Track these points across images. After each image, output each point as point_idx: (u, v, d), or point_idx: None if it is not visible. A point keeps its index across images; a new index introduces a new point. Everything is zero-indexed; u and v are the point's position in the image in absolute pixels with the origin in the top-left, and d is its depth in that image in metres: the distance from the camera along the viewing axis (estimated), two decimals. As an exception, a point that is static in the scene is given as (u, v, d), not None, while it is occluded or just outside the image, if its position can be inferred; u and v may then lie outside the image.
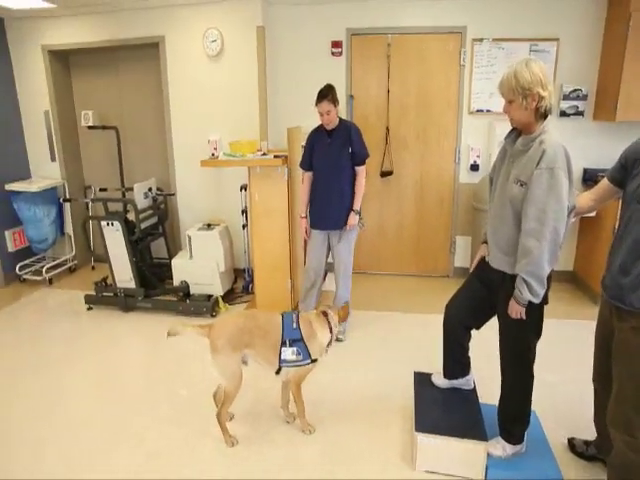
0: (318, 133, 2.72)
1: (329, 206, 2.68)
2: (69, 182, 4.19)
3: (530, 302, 1.60)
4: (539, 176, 1.50)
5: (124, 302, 3.31)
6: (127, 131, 4.10)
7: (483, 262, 1.87)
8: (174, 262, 3.39)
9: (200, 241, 3.32)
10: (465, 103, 3.64)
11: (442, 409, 1.99)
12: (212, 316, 3.21)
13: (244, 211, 3.50)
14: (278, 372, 2.01)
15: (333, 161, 2.66)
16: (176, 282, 3.38)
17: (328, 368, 2.56)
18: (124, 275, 3.29)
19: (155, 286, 3.41)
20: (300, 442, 2.03)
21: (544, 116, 1.56)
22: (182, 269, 3.35)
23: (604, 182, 1.68)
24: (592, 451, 1.90)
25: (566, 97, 3.50)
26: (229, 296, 3.49)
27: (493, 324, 1.81)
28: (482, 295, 1.86)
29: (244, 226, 3.53)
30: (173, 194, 3.92)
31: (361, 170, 2.69)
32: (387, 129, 3.75)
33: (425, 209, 3.88)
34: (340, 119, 2.69)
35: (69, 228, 4.19)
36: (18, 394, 2.43)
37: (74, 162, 4.31)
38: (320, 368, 2.53)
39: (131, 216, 3.34)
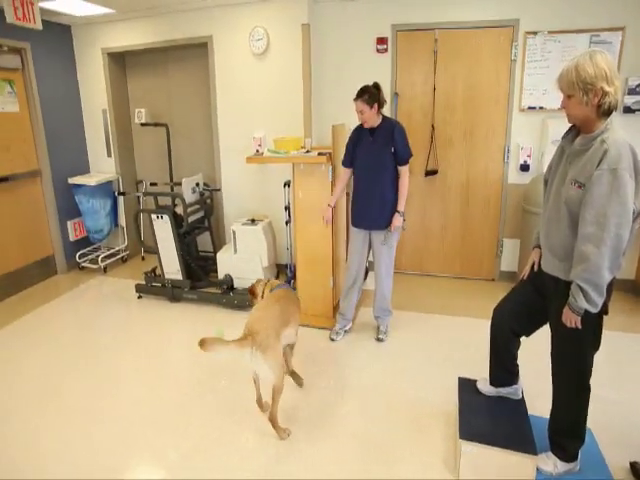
0: (361, 130, 2.67)
1: (370, 206, 2.63)
2: (123, 177, 4.39)
3: (587, 311, 1.49)
4: (599, 177, 1.39)
5: (171, 293, 3.44)
6: (176, 128, 4.23)
7: (535, 269, 1.77)
8: (219, 256, 3.47)
9: (244, 236, 3.36)
10: (516, 100, 3.45)
11: (488, 417, 1.91)
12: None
13: (287, 207, 3.51)
14: None
15: (375, 160, 2.61)
16: (220, 275, 3.46)
17: (370, 368, 2.55)
18: (172, 267, 3.41)
19: (200, 278, 3.51)
20: (340, 441, 2.02)
21: (607, 113, 1.44)
22: (226, 263, 3.42)
23: None
24: (659, 477, 1.76)
25: (631, 91, 3.22)
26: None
27: (544, 330, 1.70)
28: (534, 301, 1.76)
29: (287, 222, 3.54)
30: (219, 189, 4.01)
31: (404, 170, 2.61)
32: (432, 127, 3.63)
33: (471, 210, 3.73)
34: (384, 117, 2.62)
35: (122, 220, 4.41)
36: (71, 375, 2.58)
37: (128, 158, 4.52)
38: (362, 368, 2.53)
39: (179, 210, 3.44)
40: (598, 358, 1.62)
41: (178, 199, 3.47)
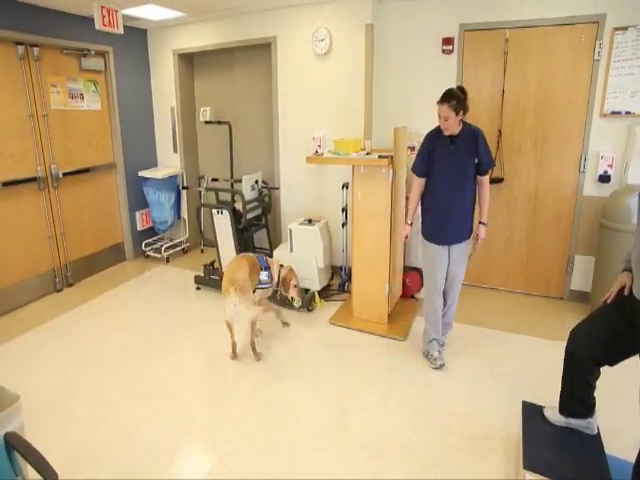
0: (439, 136, 2.43)
1: (453, 218, 2.42)
2: (187, 172, 4.57)
3: None
4: None
5: (228, 286, 3.52)
6: (238, 126, 4.31)
7: (625, 293, 1.59)
8: (275, 253, 3.50)
9: (301, 235, 3.36)
10: (597, 104, 3.13)
11: (556, 449, 1.74)
12: (308, 310, 3.26)
13: (344, 209, 3.46)
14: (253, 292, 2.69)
15: (458, 170, 2.40)
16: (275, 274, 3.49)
17: (430, 382, 2.46)
18: (230, 261, 3.48)
19: (256, 274, 3.57)
20: (394, 455, 1.96)
21: None
22: (282, 261, 3.43)
23: None
24: None
25: None
26: (325, 292, 3.50)
27: (631, 360, 1.53)
28: (622, 329, 1.57)
29: (344, 224, 3.50)
30: (277, 188, 4.04)
31: (486, 179, 2.44)
32: (499, 132, 3.40)
33: (539, 222, 3.46)
34: (464, 123, 2.40)
35: (185, 213, 4.59)
36: (134, 358, 2.72)
37: (192, 154, 4.69)
38: (420, 383, 2.45)
39: (238, 206, 3.51)
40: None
41: (238, 195, 3.53)
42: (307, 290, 3.33)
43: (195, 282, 3.70)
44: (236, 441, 2.03)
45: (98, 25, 3.10)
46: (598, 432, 1.81)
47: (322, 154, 3.26)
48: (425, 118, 3.56)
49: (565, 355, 1.77)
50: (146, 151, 4.58)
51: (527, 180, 3.41)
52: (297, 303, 2.97)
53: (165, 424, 2.15)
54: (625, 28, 3.00)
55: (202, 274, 3.68)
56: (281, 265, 2.91)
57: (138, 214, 4.47)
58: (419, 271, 3.55)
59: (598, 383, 1.74)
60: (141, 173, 4.32)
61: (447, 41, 3.42)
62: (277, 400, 2.31)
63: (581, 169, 3.24)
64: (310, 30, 3.63)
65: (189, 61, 4.48)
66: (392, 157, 2.84)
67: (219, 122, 4.12)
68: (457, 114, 2.31)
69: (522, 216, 3.49)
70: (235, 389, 2.40)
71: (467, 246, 2.53)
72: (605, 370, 1.70)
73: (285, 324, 3.05)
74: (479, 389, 2.39)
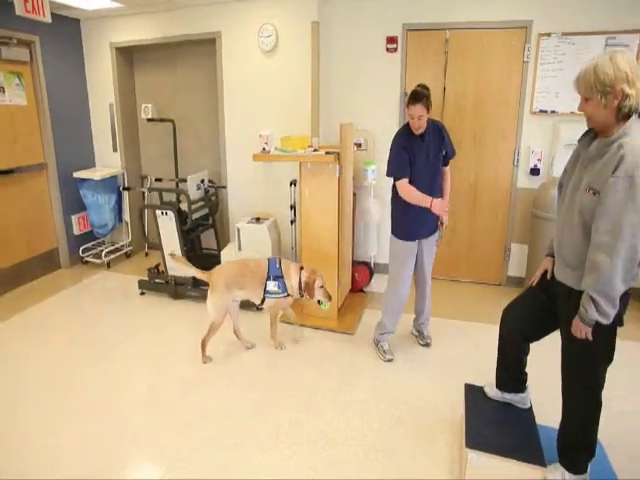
0: (409, 136, 2.44)
1: (428, 214, 2.39)
2: (128, 172, 4.37)
3: (599, 323, 1.44)
4: (615, 184, 1.34)
5: (174, 290, 3.41)
6: (182, 124, 4.20)
7: (547, 277, 1.73)
8: (223, 253, 3.44)
9: (249, 234, 3.34)
10: (527, 103, 3.39)
11: (495, 426, 1.85)
12: (258, 309, 3.23)
13: (293, 206, 3.48)
14: (262, 302, 2.60)
15: (431, 165, 2.47)
16: (224, 273, 3.43)
17: (379, 374, 2.52)
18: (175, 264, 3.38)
19: (204, 276, 3.48)
20: (342, 446, 1.98)
21: (627, 117, 1.38)
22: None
23: None
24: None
25: (646, 97, 3.16)
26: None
27: (555, 339, 1.66)
28: (546, 307, 1.71)
29: (292, 222, 3.51)
30: (224, 187, 3.98)
31: (448, 169, 2.58)
32: (441, 128, 3.58)
33: (478, 213, 3.68)
34: (427, 119, 2.41)
35: (127, 215, 4.39)
36: (74, 370, 2.56)
37: (133, 153, 4.50)
38: (370, 375, 2.50)
39: (184, 206, 3.41)
40: (611, 369, 1.57)
41: (183, 195, 3.44)
42: (257, 289, 3.29)
43: (139, 287, 3.55)
44: (185, 451, 1.97)
45: (19, 11, 2.89)
46: (530, 405, 1.95)
47: (269, 152, 3.26)
48: (371, 115, 3.69)
49: (499, 333, 1.89)
50: (82, 150, 4.33)
51: (467, 174, 3.62)
52: (325, 306, 2.68)
53: (111, 438, 2.03)
54: (549, 34, 3.28)
55: (146, 278, 3.54)
56: (301, 267, 2.64)
57: (74, 218, 4.21)
58: (368, 265, 3.66)
59: (529, 360, 1.87)
60: (77, 174, 4.08)
61: (391, 40, 3.56)
62: (227, 404, 2.27)
63: (515, 163, 3.50)
64: (256, 26, 3.63)
65: (128, 55, 4.31)
66: (339, 153, 2.90)
67: (162, 120, 4.00)
68: (428, 111, 2.37)
69: (463, 208, 3.70)
70: (185, 396, 2.33)
71: (435, 236, 2.63)
72: (533, 347, 1.83)
73: (295, 341, 2.85)
74: (426, 376, 2.49)
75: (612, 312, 1.42)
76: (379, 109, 3.67)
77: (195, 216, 3.47)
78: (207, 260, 3.75)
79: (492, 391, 1.99)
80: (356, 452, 1.95)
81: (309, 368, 2.56)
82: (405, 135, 2.47)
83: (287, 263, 2.65)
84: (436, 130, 2.47)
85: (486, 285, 3.75)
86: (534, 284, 1.80)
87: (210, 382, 2.44)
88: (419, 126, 2.38)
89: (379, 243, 3.68)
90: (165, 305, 3.38)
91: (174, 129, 3.99)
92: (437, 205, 2.31)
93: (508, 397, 1.95)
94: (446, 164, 2.56)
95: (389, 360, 2.63)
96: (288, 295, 2.61)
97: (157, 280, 3.50)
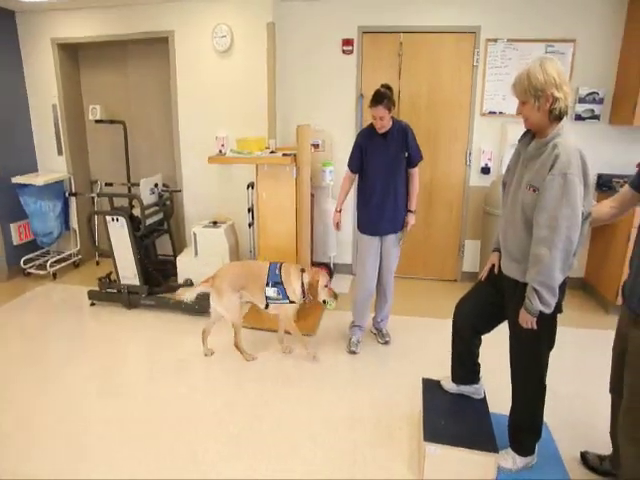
0: (371, 134, 2.54)
1: (386, 210, 2.56)
2: (75, 176, 4.16)
3: (542, 312, 1.54)
4: (551, 182, 1.44)
5: (127, 299, 3.28)
6: (134, 126, 4.06)
7: (495, 271, 1.82)
8: (179, 259, 3.35)
9: (206, 238, 3.27)
10: (477, 104, 3.57)
11: (451, 418, 1.92)
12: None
13: (251, 209, 3.45)
14: (267, 307, 2.58)
15: (391, 165, 2.53)
16: (180, 280, 3.34)
17: (338, 374, 2.54)
18: (128, 271, 3.25)
19: (159, 283, 3.37)
20: (302, 447, 1.98)
21: (559, 118, 1.49)
22: (187, 266, 3.31)
23: (626, 189, 1.62)
24: (606, 466, 1.84)
25: (582, 100, 3.42)
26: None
27: (503, 331, 1.74)
28: (494, 300, 1.80)
29: (250, 224, 3.48)
30: (179, 190, 3.88)
31: (415, 172, 2.62)
32: (397, 129, 3.69)
33: (434, 212, 3.82)
34: (393, 119, 2.52)
35: (74, 222, 4.16)
36: (17, 391, 2.39)
37: (81, 156, 4.29)
38: (329, 377, 2.51)
39: (137, 212, 3.30)
40: (552, 353, 1.67)
41: (135, 200, 3.32)
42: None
43: (89, 298, 3.38)
44: (135, 464, 1.88)
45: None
46: (484, 396, 2.04)
47: (225, 154, 3.22)
48: (329, 116, 3.73)
49: (452, 328, 1.97)
50: (21, 154, 4.07)
51: (423, 173, 3.68)
52: (331, 305, 2.65)
53: (62, 459, 1.91)
54: (495, 40, 3.47)
55: (97, 288, 3.37)
56: (302, 270, 2.57)
57: (14, 226, 3.94)
58: (327, 266, 3.69)
59: (483, 351, 1.95)
60: (15, 180, 3.82)
61: (347, 42, 3.62)
62: (183, 414, 2.20)
63: (467, 162, 3.67)
64: (210, 26, 3.58)
65: (73, 53, 4.11)
66: (295, 155, 2.91)
67: (112, 121, 3.86)
68: (390, 112, 2.43)
69: (419, 207, 3.74)
70: (144, 407, 2.24)
71: (399, 236, 2.68)
72: (484, 339, 1.91)
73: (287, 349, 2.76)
74: (385, 373, 2.53)
75: (553, 301, 1.51)
76: (336, 110, 3.73)
77: (149, 221, 3.36)
78: (163, 266, 3.65)
79: (448, 384, 2.06)
80: (317, 454, 1.95)
81: (268, 372, 2.54)
82: (366, 133, 2.58)
83: (287, 268, 2.56)
84: (401, 131, 2.53)
85: (442, 281, 3.88)
86: (483, 279, 1.88)
87: (169, 393, 2.36)
88: (381, 126, 2.46)
89: (338, 244, 3.72)
90: (118, 315, 3.23)
91: (125, 131, 3.85)
92: (334, 218, 2.70)
93: (463, 389, 2.03)
94: (412, 166, 2.60)
95: (351, 352, 2.71)
96: (291, 302, 2.54)
97: (109, 289, 3.34)
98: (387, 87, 2.46)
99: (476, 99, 3.56)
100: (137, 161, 4.09)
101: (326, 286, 2.53)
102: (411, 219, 2.67)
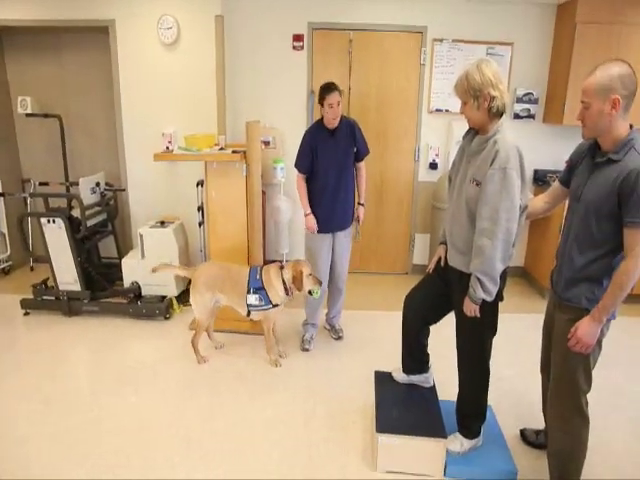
0: (319, 133, 2.54)
1: (338, 208, 2.59)
2: (3, 175, 3.82)
3: (484, 300, 1.62)
4: (492, 176, 1.52)
5: (67, 306, 3.07)
6: (73, 121, 3.81)
7: (441, 263, 1.89)
8: (124, 262, 3.19)
9: (153, 239, 3.14)
10: (425, 102, 3.70)
11: (402, 408, 1.98)
12: (166, 318, 3.05)
13: (200, 208, 3.35)
14: (248, 314, 2.49)
15: (340, 161, 2.55)
16: (126, 283, 3.18)
17: (293, 371, 2.54)
18: (68, 277, 3.05)
19: (103, 288, 3.19)
20: (259, 448, 1.96)
21: (498, 115, 1.58)
22: (133, 269, 3.15)
23: (556, 184, 1.74)
24: (542, 439, 1.98)
25: (519, 100, 3.65)
26: (185, 297, 3.30)
27: (452, 322, 1.82)
28: (441, 291, 1.87)
29: (200, 223, 3.38)
30: (124, 189, 3.69)
31: (363, 165, 2.68)
32: (348, 126, 3.73)
33: (385, 207, 3.91)
34: (341, 116, 2.53)
35: (3, 226, 3.82)
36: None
37: (9, 153, 3.95)
38: (285, 373, 2.50)
39: (76, 213, 3.10)
40: (495, 339, 1.77)
41: (75, 201, 3.11)
42: (163, 297, 3.13)
43: (22, 307, 3.12)
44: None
45: None
46: (433, 384, 2.12)
47: (172, 151, 3.10)
48: (280, 112, 3.71)
49: (402, 320, 2.02)
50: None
51: (373, 169, 3.80)
52: (316, 293, 2.53)
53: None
54: (441, 40, 3.61)
55: (32, 296, 3.13)
56: (281, 267, 2.48)
57: None
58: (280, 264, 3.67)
59: (432, 342, 2.02)
60: None
61: (297, 38, 3.61)
62: (133, 422, 2.10)
63: (416, 158, 3.79)
64: (154, 16, 3.43)
65: (-5, 38, 3.77)
66: (245, 152, 2.86)
67: (46, 115, 3.59)
68: (341, 97, 2.47)
69: (370, 203, 3.85)
70: (90, 419, 2.11)
71: (350, 231, 2.73)
72: (432, 329, 1.99)
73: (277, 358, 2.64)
74: (339, 368, 2.57)
75: (494, 290, 1.60)
76: (287, 107, 3.71)
77: (90, 223, 3.17)
78: (108, 270, 3.46)
79: (399, 375, 2.13)
80: (272, 454, 1.93)
81: (220, 374, 2.49)
82: (314, 131, 2.57)
83: (267, 270, 2.48)
84: (348, 127, 2.56)
85: (394, 275, 4.00)
86: (431, 271, 1.95)
87: (117, 402, 2.24)
88: (335, 115, 2.45)
89: (291, 241, 3.71)
90: (57, 324, 3.02)
91: (61, 126, 3.60)
92: (307, 221, 2.59)
93: (414, 379, 2.10)
94: (360, 160, 2.65)
95: (305, 350, 2.73)
96: (275, 306, 2.46)
97: (45, 297, 3.11)
98: (332, 83, 2.50)
99: (423, 97, 3.69)
100: (76, 159, 3.84)
101: (310, 274, 2.47)
102: (361, 213, 2.72)
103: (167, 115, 3.58)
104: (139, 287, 3.14)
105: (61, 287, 3.08)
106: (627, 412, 2.28)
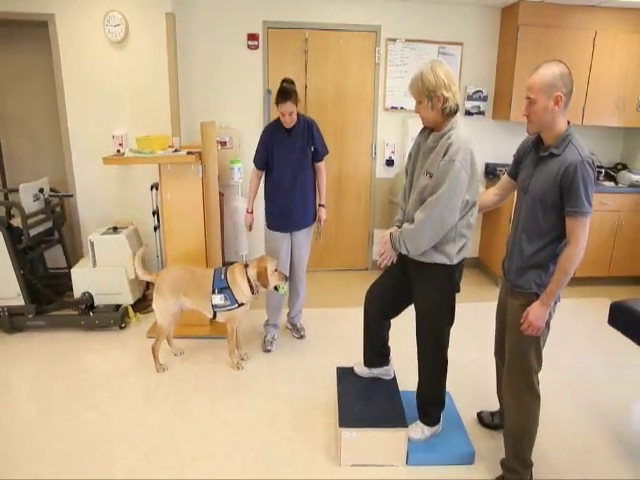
0: (276, 130, 2.57)
1: (295, 206, 2.60)
2: None
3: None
4: (441, 167, 1.60)
5: (9, 322, 2.88)
6: (10, 123, 3.60)
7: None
8: (74, 271, 3.05)
9: (105, 246, 3.02)
10: (380, 100, 3.80)
11: (364, 402, 2.02)
12: (121, 328, 2.95)
13: (155, 212, 3.27)
14: (214, 317, 2.48)
15: (296, 159, 2.57)
16: (77, 294, 3.04)
17: (253, 373, 2.52)
18: (8, 291, 2.88)
19: (51, 300, 3.03)
20: (221, 454, 1.94)
21: (451, 114, 1.65)
22: (84, 279, 3.02)
23: (505, 177, 1.85)
24: (497, 420, 2.09)
25: (470, 98, 3.83)
26: (141, 304, 3.23)
27: (412, 317, 1.87)
28: (401, 283, 1.92)
29: (156, 228, 3.30)
30: (71, 195, 3.52)
31: (322, 166, 2.69)
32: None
33: (344, 204, 3.98)
34: (298, 115, 2.55)
35: None
36: None
37: None
38: (244, 377, 2.49)
39: (17, 222, 2.93)
40: (452, 327, 1.84)
41: (15, 209, 2.94)
42: (118, 306, 3.02)
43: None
44: None
45: None
46: (394, 375, 2.18)
47: (124, 154, 3.01)
48: (236, 112, 3.68)
49: (363, 315, 2.07)
50: None
51: (332, 166, 3.85)
52: (282, 289, 2.50)
53: None
54: (394, 39, 3.72)
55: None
56: (246, 265, 2.47)
57: None
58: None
59: (393, 334, 2.08)
60: None
61: (252, 37, 3.60)
62: (92, 435, 2.02)
63: (373, 155, 3.89)
64: (100, 12, 3.31)
65: None
66: (200, 153, 2.83)
67: (-23, 116, 3.37)
68: (297, 106, 2.47)
69: (330, 199, 3.89)
70: (45, 437, 2.00)
71: (310, 231, 2.74)
72: (393, 323, 2.05)
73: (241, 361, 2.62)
74: (301, 366, 2.59)
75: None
76: (243, 106, 3.70)
77: (34, 232, 3.00)
78: (56, 281, 3.30)
79: (361, 369, 2.18)
80: (235, 458, 1.92)
81: (179, 380, 2.44)
82: (270, 129, 2.60)
83: (232, 269, 2.48)
84: (306, 126, 2.58)
85: (354, 271, 4.07)
86: (382, 266, 1.99)
87: (71, 419, 2.13)
88: (290, 121, 2.50)
89: (251, 242, 3.69)
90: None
91: (-4, 128, 3.40)
92: (245, 218, 2.71)
93: (375, 372, 2.16)
94: (319, 160, 2.67)
95: (267, 351, 2.73)
96: (241, 305, 2.45)
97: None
98: (290, 81, 2.50)
99: (379, 95, 3.79)
100: (16, 164, 3.63)
101: (276, 270, 2.46)
102: (323, 213, 2.75)
103: (117, 116, 3.46)
104: (91, 297, 3.01)
105: (1, 303, 2.89)
106: (573, 388, 2.46)
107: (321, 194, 2.73)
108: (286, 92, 2.42)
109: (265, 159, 2.60)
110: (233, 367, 2.55)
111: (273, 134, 2.57)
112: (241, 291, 2.43)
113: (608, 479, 1.86)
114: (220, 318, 2.49)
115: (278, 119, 2.56)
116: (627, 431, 2.16)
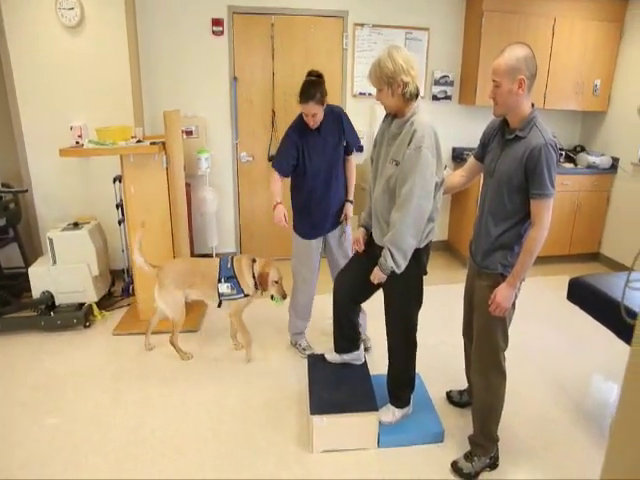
0: (304, 129, 2.21)
1: (330, 209, 2.34)
2: None
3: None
4: (409, 155, 1.61)
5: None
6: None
7: (359, 249, 1.98)
8: (32, 270, 2.92)
9: (65, 243, 2.91)
10: (349, 86, 3.79)
11: (335, 388, 2.05)
12: (86, 327, 2.87)
13: (119, 205, 3.18)
14: (220, 305, 2.49)
15: (330, 159, 2.27)
16: (36, 294, 2.93)
17: (225, 366, 2.51)
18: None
19: (7, 302, 2.91)
20: (193, 451, 1.93)
21: (412, 98, 1.66)
22: (43, 278, 2.91)
23: (471, 159, 1.88)
24: (465, 398, 2.17)
25: (437, 82, 3.87)
26: (106, 301, 3.16)
27: (381, 301, 1.89)
28: (369, 268, 1.91)
29: (120, 222, 3.21)
30: (26, 190, 3.36)
31: (352, 159, 2.41)
32: (273, 112, 3.73)
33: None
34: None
35: None
36: None
37: None
38: (214, 371, 2.47)
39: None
40: (421, 310, 1.88)
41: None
42: (82, 305, 2.94)
43: None
44: None
45: None
46: (365, 360, 2.22)
47: (83, 145, 2.90)
48: (202, 101, 3.60)
49: (332, 302, 2.08)
50: None
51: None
52: (278, 302, 2.42)
53: None
54: (362, 25, 3.71)
55: None
56: (253, 260, 2.47)
57: None
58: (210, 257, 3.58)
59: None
60: None
61: (217, 22, 3.51)
62: (56, 441, 1.97)
63: (343, 142, 3.88)
64: (49, -5, 3.14)
65: None
66: (164, 143, 2.76)
67: None
68: (323, 104, 2.16)
69: None
70: (12, 433, 1.93)
71: (340, 228, 2.48)
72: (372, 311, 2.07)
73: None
74: (273, 356, 2.60)
75: (404, 263, 1.69)
76: (209, 94, 3.62)
77: (-15, 230, 2.87)
78: (13, 281, 3.17)
79: (331, 356, 2.20)
80: (208, 449, 1.92)
81: (152, 376, 2.41)
82: (299, 128, 2.23)
83: (239, 260, 2.47)
84: (335, 119, 2.26)
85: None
86: (359, 252, 2.01)
87: (30, 426, 2.07)
88: (315, 123, 2.18)
89: (219, 233, 3.64)
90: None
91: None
92: (276, 211, 2.22)
93: (346, 357, 2.18)
94: (349, 153, 2.40)
95: (308, 355, 2.48)
96: (246, 295, 2.45)
97: None
98: (316, 75, 2.20)
99: (347, 81, 3.78)
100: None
101: (277, 282, 2.41)
102: (350, 210, 2.45)
103: (75, 106, 3.32)
104: (52, 296, 2.91)
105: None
106: (536, 362, 2.57)
107: (349, 190, 2.44)
108: (307, 92, 2.09)
109: (294, 163, 2.23)
110: (248, 358, 2.55)
111: (304, 134, 2.19)
112: (246, 282, 2.45)
113: (568, 445, 1.96)
114: (225, 307, 2.51)
115: (301, 115, 2.21)
116: (585, 400, 2.29)
